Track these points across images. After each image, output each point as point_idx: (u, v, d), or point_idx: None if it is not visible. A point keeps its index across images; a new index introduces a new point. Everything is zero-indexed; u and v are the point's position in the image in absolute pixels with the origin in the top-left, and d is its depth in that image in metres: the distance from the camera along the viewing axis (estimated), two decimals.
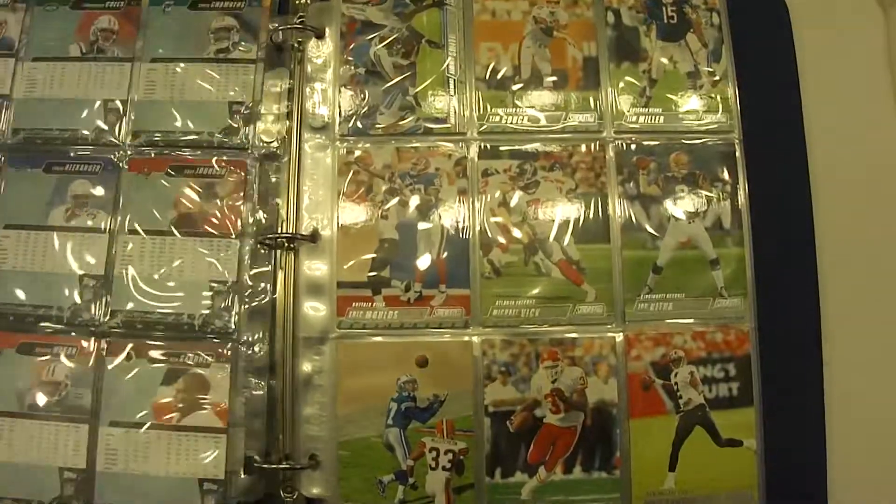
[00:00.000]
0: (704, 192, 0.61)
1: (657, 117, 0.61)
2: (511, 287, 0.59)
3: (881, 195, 0.62)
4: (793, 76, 0.62)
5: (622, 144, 0.61)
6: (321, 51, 0.63)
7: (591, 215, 0.60)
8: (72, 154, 0.61)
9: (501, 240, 0.60)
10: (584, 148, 0.61)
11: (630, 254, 0.60)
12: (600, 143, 0.61)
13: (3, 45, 0.63)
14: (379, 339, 0.58)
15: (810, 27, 0.63)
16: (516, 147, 0.61)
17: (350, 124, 0.61)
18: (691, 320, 0.59)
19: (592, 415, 0.58)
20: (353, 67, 0.62)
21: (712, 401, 0.58)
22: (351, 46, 0.62)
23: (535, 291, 0.59)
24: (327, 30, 0.63)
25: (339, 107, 0.62)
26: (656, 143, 0.62)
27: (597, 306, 0.59)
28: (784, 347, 0.59)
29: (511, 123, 0.61)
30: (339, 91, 0.62)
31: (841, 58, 0.64)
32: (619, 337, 0.58)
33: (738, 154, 0.61)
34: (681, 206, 0.60)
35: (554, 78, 0.62)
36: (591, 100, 0.62)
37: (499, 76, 0.62)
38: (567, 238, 0.60)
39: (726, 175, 0.61)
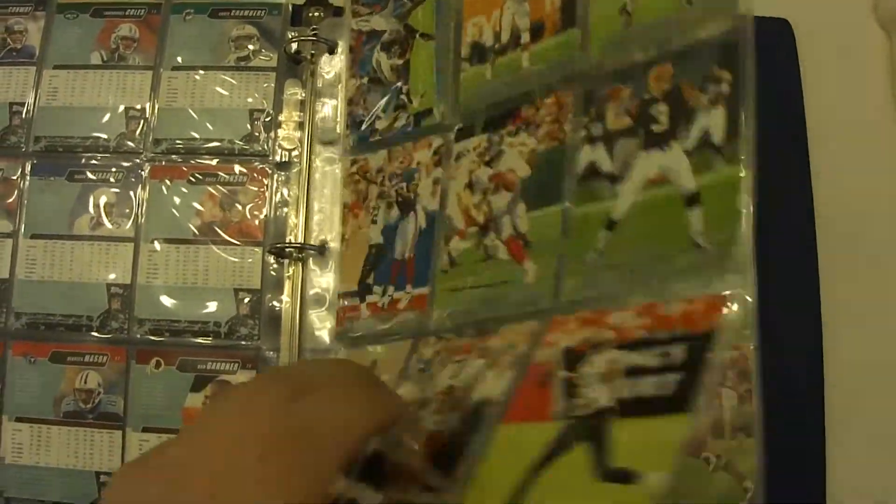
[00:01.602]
0: (690, 102, 0.41)
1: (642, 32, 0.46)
2: (461, 278, 0.51)
3: (886, 219, 0.61)
4: (798, 101, 0.62)
5: (595, 77, 0.47)
6: (332, 66, 0.63)
7: (546, 175, 0.48)
8: (94, 162, 0.62)
9: (460, 226, 0.52)
10: (552, 98, 0.49)
11: (581, 210, 0.45)
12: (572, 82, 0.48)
13: (24, 54, 0.65)
14: (368, 348, 0.56)
15: (814, 51, 0.63)
16: (491, 115, 0.53)
17: (357, 136, 0.61)
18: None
19: (468, 417, 0.44)
20: (359, 79, 0.62)
21: (628, 403, 0.37)
22: (358, 59, 0.62)
23: (481, 279, 0.50)
24: (340, 44, 0.63)
25: (347, 121, 0.62)
26: (637, 60, 0.45)
27: (535, 288, 0.46)
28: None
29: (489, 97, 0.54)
30: (348, 105, 0.62)
31: (844, 82, 0.63)
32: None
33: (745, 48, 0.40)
34: (654, 130, 0.43)
35: (530, 31, 0.52)
36: (569, 38, 0.49)
37: (481, 50, 0.55)
38: (519, 208, 0.49)
39: (727, 74, 0.39)
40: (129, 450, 0.58)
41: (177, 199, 0.62)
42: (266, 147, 0.62)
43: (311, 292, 0.60)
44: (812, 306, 0.59)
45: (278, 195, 0.61)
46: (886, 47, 0.64)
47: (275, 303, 0.60)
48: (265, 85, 0.63)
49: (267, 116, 0.62)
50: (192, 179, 0.62)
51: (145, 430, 0.58)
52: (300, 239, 0.60)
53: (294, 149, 0.62)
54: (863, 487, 0.57)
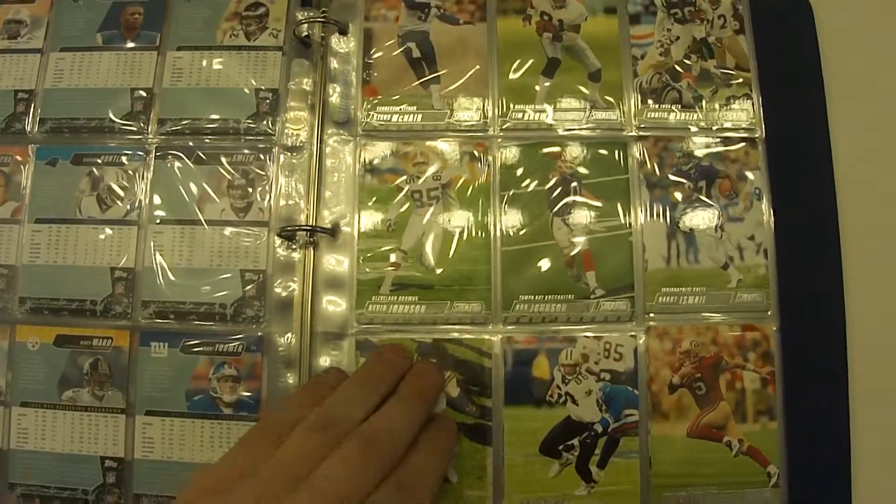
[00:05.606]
0: None
1: None
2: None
3: None
4: (818, 81, 0.61)
5: None
6: (344, 46, 0.62)
7: None
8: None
9: None
10: None
11: None
12: None
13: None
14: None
15: (835, 31, 0.62)
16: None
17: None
18: None
19: None
20: None
21: None
22: None
23: None
24: (350, 26, 0.62)
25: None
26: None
27: None
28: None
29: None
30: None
31: (864, 57, 0.63)
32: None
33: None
34: None
35: None
36: None
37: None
38: None
39: None
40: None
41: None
42: (272, 128, 0.61)
43: (323, 276, 0.59)
44: (835, 287, 0.58)
45: (287, 177, 0.60)
46: None
47: (283, 286, 0.59)
48: (273, 66, 0.62)
49: (274, 97, 0.61)
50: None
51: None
52: (311, 222, 0.59)
53: (301, 128, 0.61)
54: (889, 470, 0.56)
